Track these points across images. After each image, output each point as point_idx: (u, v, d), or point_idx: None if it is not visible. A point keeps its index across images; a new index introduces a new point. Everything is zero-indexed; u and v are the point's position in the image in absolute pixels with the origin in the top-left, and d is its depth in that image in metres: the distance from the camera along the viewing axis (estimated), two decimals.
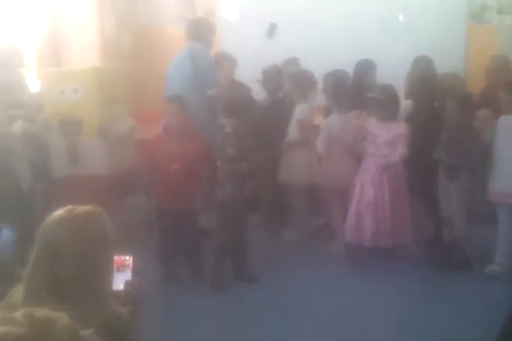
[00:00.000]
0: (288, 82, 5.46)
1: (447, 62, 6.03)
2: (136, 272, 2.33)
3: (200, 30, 5.47)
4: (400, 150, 4.84)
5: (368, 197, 4.90)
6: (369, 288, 4.62)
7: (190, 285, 4.59)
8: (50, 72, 5.45)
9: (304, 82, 5.35)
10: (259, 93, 5.75)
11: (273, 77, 5.60)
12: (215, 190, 4.54)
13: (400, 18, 6.89)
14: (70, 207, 2.08)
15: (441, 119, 4.83)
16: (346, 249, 5.12)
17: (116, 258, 2.24)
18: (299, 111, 5.25)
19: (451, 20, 6.76)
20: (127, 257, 2.35)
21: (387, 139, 4.90)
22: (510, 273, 4.69)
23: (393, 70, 5.83)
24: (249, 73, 5.81)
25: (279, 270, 4.85)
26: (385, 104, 4.88)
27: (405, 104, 5.28)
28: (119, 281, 2.27)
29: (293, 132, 5.31)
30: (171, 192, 4.45)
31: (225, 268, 4.67)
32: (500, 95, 4.67)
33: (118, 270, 2.27)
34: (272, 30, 6.99)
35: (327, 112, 5.41)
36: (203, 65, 5.33)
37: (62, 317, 1.44)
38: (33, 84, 5.60)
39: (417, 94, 5.08)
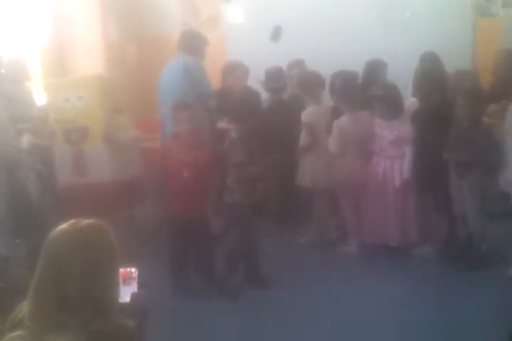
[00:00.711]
0: (298, 83, 5.42)
1: (454, 57, 5.97)
2: (142, 284, 2.32)
3: (193, 42, 5.49)
4: (406, 151, 4.83)
5: (375, 197, 4.91)
6: (384, 288, 4.57)
7: (202, 295, 4.53)
8: (53, 82, 5.45)
9: (314, 83, 5.33)
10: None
11: (276, 78, 5.57)
12: (224, 196, 4.53)
13: (406, 14, 6.85)
14: (73, 220, 2.08)
15: (449, 116, 4.77)
16: (360, 249, 5.09)
17: (121, 270, 2.23)
18: (306, 113, 5.23)
19: (456, 14, 6.72)
20: (133, 269, 2.35)
21: (390, 139, 4.88)
22: None
23: (400, 68, 5.79)
24: (254, 76, 5.80)
25: (295, 274, 4.82)
26: (386, 100, 4.86)
27: (412, 101, 5.23)
28: (125, 294, 2.26)
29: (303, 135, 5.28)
30: (182, 200, 4.42)
31: (238, 276, 4.64)
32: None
33: (124, 282, 2.26)
34: (276, 32, 6.98)
35: (334, 113, 5.37)
36: (199, 78, 5.35)
37: None
38: (40, 96, 5.63)
39: (424, 91, 5.03)
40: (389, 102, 4.88)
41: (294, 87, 5.69)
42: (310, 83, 5.31)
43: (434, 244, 5.02)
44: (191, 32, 5.66)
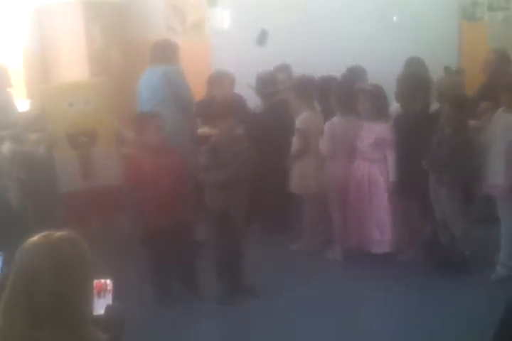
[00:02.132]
0: (293, 88, 5.40)
1: (440, 60, 5.98)
2: (117, 296, 2.29)
3: (166, 51, 5.49)
4: (388, 154, 4.82)
5: (356, 201, 4.92)
6: (369, 295, 4.60)
7: (186, 305, 4.45)
8: (51, 87, 5.40)
9: (309, 88, 5.31)
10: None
11: (267, 83, 5.55)
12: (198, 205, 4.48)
13: (393, 18, 6.85)
14: (45, 232, 2.06)
15: (431, 122, 4.76)
16: (345, 256, 5.08)
17: (96, 282, 2.20)
18: (300, 120, 5.21)
19: (442, 17, 6.73)
20: (108, 281, 2.32)
21: (370, 141, 4.86)
22: None
23: (386, 71, 5.77)
24: (240, 81, 5.78)
25: (279, 281, 4.78)
26: (369, 99, 4.85)
27: (396, 106, 5.23)
28: (100, 306, 2.23)
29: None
30: (154, 211, 4.34)
31: (229, 282, 4.58)
32: (499, 95, 4.59)
33: (98, 295, 2.23)
34: (262, 37, 6.97)
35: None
36: (180, 86, 5.34)
37: None
38: (22, 103, 5.57)
39: (406, 96, 5.03)
40: (372, 102, 4.86)
41: (287, 91, 5.66)
42: (305, 88, 5.29)
43: (417, 249, 4.99)
44: (162, 42, 5.64)
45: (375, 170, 4.89)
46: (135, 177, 4.39)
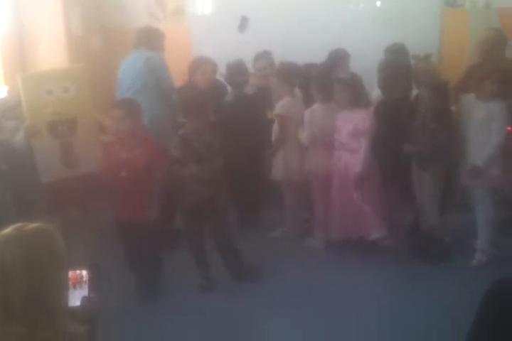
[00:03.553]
0: (276, 74, 5.37)
1: (422, 47, 5.96)
2: (93, 288, 2.27)
3: (152, 38, 5.46)
4: (364, 143, 4.82)
5: (338, 191, 4.92)
6: (350, 282, 4.60)
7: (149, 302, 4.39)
8: (29, 74, 5.30)
9: (292, 74, 5.27)
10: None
11: (237, 72, 5.51)
12: (175, 196, 4.45)
13: (377, 4, 6.82)
14: (18, 224, 2.03)
15: (412, 108, 4.77)
16: (327, 244, 5.09)
17: (71, 273, 2.17)
18: (280, 105, 5.18)
19: (424, 5, 6.70)
20: (84, 272, 2.29)
21: (349, 131, 4.85)
22: (493, 260, 4.68)
23: (368, 58, 5.77)
24: (221, 68, 5.74)
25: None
26: (347, 88, 4.83)
27: (377, 93, 5.22)
28: (76, 298, 2.21)
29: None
30: (122, 202, 4.28)
31: (207, 271, 4.60)
32: (485, 84, 4.59)
33: (74, 286, 2.21)
34: (243, 23, 6.91)
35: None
36: (162, 73, 5.30)
37: None
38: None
39: (387, 82, 5.02)
40: (349, 91, 4.84)
41: (268, 77, 5.62)
42: (288, 73, 5.26)
43: (398, 236, 5.02)
44: (148, 28, 5.62)
45: (355, 159, 4.86)
46: (105, 165, 4.37)
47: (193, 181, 4.37)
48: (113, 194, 4.35)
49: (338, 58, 5.84)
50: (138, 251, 4.44)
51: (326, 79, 5.05)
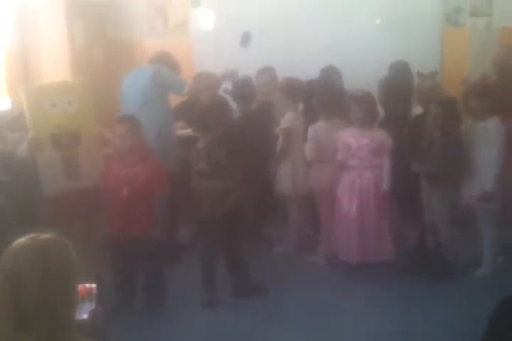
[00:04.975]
0: (280, 89, 5.40)
1: (423, 65, 6.00)
2: (101, 301, 2.26)
3: (165, 58, 5.45)
4: (386, 161, 4.78)
5: (353, 211, 4.82)
6: (351, 298, 4.60)
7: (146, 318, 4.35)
8: (34, 87, 5.31)
9: (295, 89, 5.31)
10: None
11: (244, 88, 5.53)
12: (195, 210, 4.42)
13: (376, 21, 6.87)
14: (32, 235, 2.04)
15: (416, 126, 4.78)
16: (330, 262, 5.07)
17: (80, 286, 2.17)
18: (285, 120, 5.22)
19: (424, 23, 6.75)
20: (92, 286, 2.29)
21: (372, 147, 4.80)
22: (495, 277, 4.71)
23: (369, 74, 5.80)
24: (224, 83, 5.76)
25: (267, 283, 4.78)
26: (363, 107, 4.82)
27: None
28: (84, 311, 2.20)
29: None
30: (123, 220, 4.21)
31: (215, 286, 4.56)
32: (471, 101, 4.63)
33: (82, 299, 2.20)
34: (246, 39, 6.94)
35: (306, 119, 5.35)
36: (171, 80, 5.25)
37: None
38: (2, 101, 5.50)
39: (388, 100, 5.04)
40: (366, 109, 4.84)
41: (271, 93, 5.65)
42: (291, 89, 5.29)
43: (403, 253, 5.00)
44: (164, 51, 5.61)
45: (374, 177, 4.83)
46: (103, 180, 4.34)
47: (218, 193, 4.36)
48: (112, 211, 4.28)
49: (328, 75, 5.87)
50: (133, 269, 4.38)
51: (328, 96, 5.07)
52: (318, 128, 5.05)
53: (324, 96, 5.07)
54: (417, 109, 5.35)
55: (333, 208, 4.98)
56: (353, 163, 4.87)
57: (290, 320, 4.32)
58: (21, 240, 1.99)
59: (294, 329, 4.20)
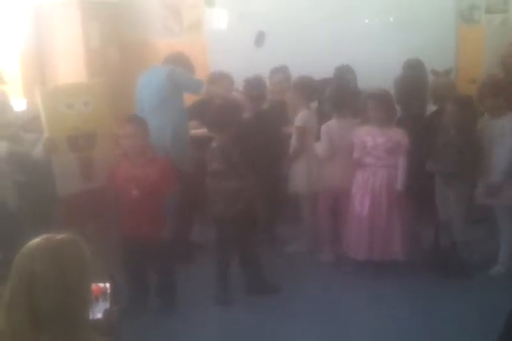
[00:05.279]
0: (294, 87, 5.40)
1: (437, 63, 5.98)
2: (115, 300, 2.28)
3: (180, 58, 5.45)
4: (402, 161, 4.75)
5: (367, 210, 4.80)
6: (365, 297, 4.60)
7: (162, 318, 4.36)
8: (51, 88, 5.35)
9: (309, 88, 5.30)
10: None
11: (256, 87, 5.54)
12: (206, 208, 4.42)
13: (390, 19, 6.85)
14: (47, 235, 2.05)
15: (432, 124, 4.76)
16: (339, 260, 5.06)
17: (94, 286, 2.18)
18: (299, 118, 5.21)
19: (440, 20, 6.72)
20: (107, 285, 2.30)
21: (389, 146, 4.77)
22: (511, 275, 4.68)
23: (383, 73, 5.79)
24: (238, 83, 5.77)
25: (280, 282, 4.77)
26: (381, 105, 4.80)
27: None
28: (98, 310, 2.22)
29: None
30: (133, 221, 4.20)
31: (228, 284, 4.57)
32: (485, 100, 4.60)
33: (96, 299, 2.22)
34: (260, 38, 6.94)
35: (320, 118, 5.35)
36: (185, 79, 5.25)
37: None
38: (18, 102, 5.54)
39: (404, 99, 5.01)
40: (384, 107, 4.81)
41: (285, 92, 5.65)
42: (305, 88, 5.29)
43: (417, 252, 4.97)
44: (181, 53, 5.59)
45: (388, 176, 4.81)
46: (109, 182, 4.34)
47: (231, 192, 4.37)
48: (122, 212, 4.26)
49: (343, 74, 5.86)
50: (144, 269, 4.39)
51: (340, 96, 5.06)
52: (331, 126, 5.04)
53: (337, 95, 5.07)
54: (431, 107, 5.34)
55: (339, 206, 4.97)
56: (368, 161, 4.85)
57: (302, 318, 4.32)
58: (36, 240, 2.00)
59: (306, 327, 4.20)
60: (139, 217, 4.20)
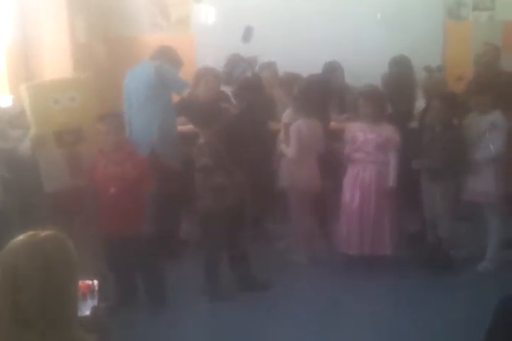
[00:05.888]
0: (280, 84, 5.38)
1: (424, 59, 6.01)
2: (102, 298, 2.27)
3: (167, 53, 5.39)
4: (392, 157, 4.77)
5: (356, 205, 4.83)
6: (355, 294, 4.60)
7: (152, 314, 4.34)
8: (36, 83, 5.28)
9: (294, 85, 5.28)
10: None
11: (244, 88, 5.51)
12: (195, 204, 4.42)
13: (378, 16, 6.86)
14: (31, 232, 2.02)
15: (419, 120, 4.78)
16: (316, 260, 5.06)
17: (81, 283, 2.17)
18: (286, 114, 5.19)
19: (427, 17, 6.75)
20: (94, 282, 2.29)
21: (379, 142, 4.78)
22: (497, 271, 4.73)
23: (370, 69, 5.80)
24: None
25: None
26: (372, 101, 4.80)
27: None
28: (86, 308, 2.21)
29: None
30: (112, 218, 4.15)
31: (218, 281, 4.57)
32: (471, 97, 4.64)
33: (84, 296, 2.21)
34: (247, 33, 6.93)
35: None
36: (171, 76, 5.21)
37: None
38: (3, 98, 5.49)
39: (394, 95, 5.02)
40: (374, 104, 4.81)
41: (272, 88, 5.63)
42: (291, 84, 5.27)
43: (402, 247, 4.99)
44: (169, 47, 5.53)
45: (377, 172, 4.82)
46: (89, 178, 4.34)
47: (219, 188, 4.37)
48: (101, 210, 4.24)
49: (331, 70, 5.86)
50: (129, 266, 4.36)
51: (309, 96, 5.01)
52: (300, 126, 4.98)
53: (305, 95, 5.02)
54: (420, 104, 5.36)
55: (312, 205, 4.99)
56: (357, 157, 4.87)
57: (292, 314, 4.33)
58: (20, 238, 1.97)
59: (296, 323, 4.21)
60: (117, 213, 4.18)
